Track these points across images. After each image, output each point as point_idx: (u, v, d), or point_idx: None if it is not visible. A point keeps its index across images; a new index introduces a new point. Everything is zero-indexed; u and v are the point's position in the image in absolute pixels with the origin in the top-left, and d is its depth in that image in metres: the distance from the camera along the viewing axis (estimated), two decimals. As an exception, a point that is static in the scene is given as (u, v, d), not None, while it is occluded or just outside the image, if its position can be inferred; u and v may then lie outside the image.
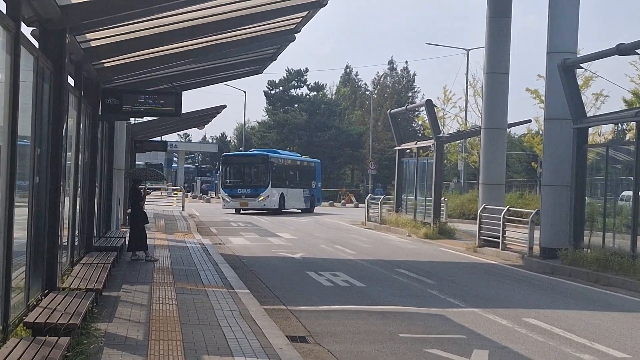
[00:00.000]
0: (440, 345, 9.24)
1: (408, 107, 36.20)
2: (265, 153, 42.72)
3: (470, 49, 50.61)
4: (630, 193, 17.30)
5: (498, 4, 23.93)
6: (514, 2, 24.18)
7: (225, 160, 42.28)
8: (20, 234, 8.23)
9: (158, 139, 38.15)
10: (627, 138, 35.71)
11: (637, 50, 17.60)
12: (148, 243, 16.28)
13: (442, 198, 28.07)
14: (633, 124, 18.69)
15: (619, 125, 31.54)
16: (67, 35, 9.79)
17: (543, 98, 23.10)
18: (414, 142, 30.88)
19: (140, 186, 16.75)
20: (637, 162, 16.65)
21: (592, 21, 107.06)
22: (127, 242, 16.20)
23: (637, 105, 28.00)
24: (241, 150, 67.88)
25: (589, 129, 20.55)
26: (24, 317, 7.68)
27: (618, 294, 14.32)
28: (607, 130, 35.71)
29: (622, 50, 16.87)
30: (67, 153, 11.22)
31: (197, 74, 20.35)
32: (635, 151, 16.80)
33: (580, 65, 19.59)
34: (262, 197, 38.98)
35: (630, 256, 15.93)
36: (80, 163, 12.85)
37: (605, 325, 10.99)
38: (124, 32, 12.28)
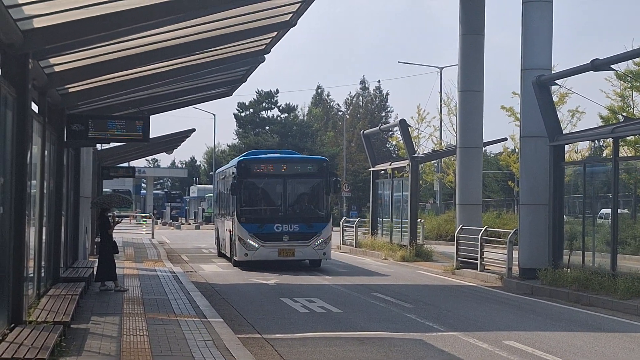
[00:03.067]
0: (420, 370, 9.26)
1: (381, 127, 36.31)
2: (322, 157, 26.26)
3: (443, 67, 51.13)
4: (609, 210, 17.52)
5: (471, 21, 24.25)
6: (488, 19, 24.54)
7: (247, 169, 23.10)
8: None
9: (126, 164, 38.01)
10: (604, 155, 36.12)
11: (612, 66, 17.92)
12: (117, 272, 16.16)
13: (419, 219, 28.20)
14: (610, 140, 18.96)
15: (596, 142, 31.88)
16: (30, 61, 9.78)
17: (518, 116, 23.38)
18: (389, 163, 31.03)
19: (108, 214, 16.65)
20: (615, 179, 16.90)
21: (567, 37, 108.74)
22: (95, 272, 16.07)
23: (614, 122, 28.41)
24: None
25: (566, 146, 20.82)
26: (-12, 353, 7.59)
27: (599, 313, 14.46)
28: (584, 147, 36.20)
29: (597, 65, 17.13)
30: (32, 181, 11.14)
31: (165, 98, 20.34)
32: (612, 168, 17.05)
33: (555, 81, 19.89)
34: (322, 239, 22.56)
35: (610, 275, 16.10)
36: (45, 191, 12.76)
37: (587, 346, 11.09)
38: (89, 56, 12.26)
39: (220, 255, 26.88)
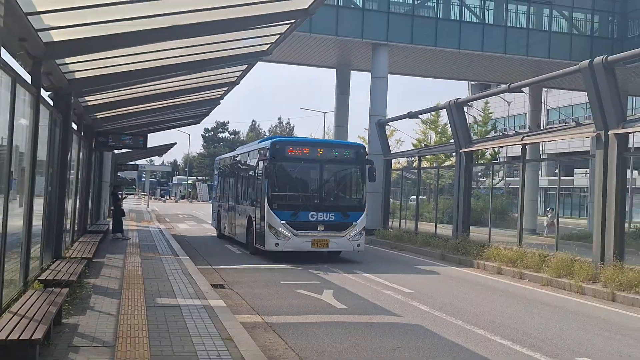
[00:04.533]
0: (304, 287, 9.40)
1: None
2: (360, 143, 14.61)
3: (326, 112, 51.57)
4: (415, 197, 18.31)
5: (342, 85, 24.72)
6: (352, 83, 24.95)
7: (281, 151, 12.91)
8: (38, 223, 7.82)
9: (133, 162, 36.60)
10: (414, 165, 37.25)
11: (419, 116, 18.69)
12: (124, 228, 15.61)
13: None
14: (417, 157, 19.83)
15: (409, 157, 32.98)
16: (72, 98, 9.37)
17: (367, 141, 23.97)
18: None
19: (119, 192, 16.12)
20: (418, 179, 17.67)
21: (396, 95, 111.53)
22: (110, 227, 15.47)
23: (419, 147, 29.51)
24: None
25: (392, 160, 21.58)
26: (38, 276, 7.28)
27: (407, 254, 15.04)
28: (402, 160, 37.37)
29: (412, 115, 17.86)
30: (71, 171, 10.68)
31: (156, 124, 19.71)
32: (417, 173, 17.82)
33: (388, 123, 20.55)
34: (357, 230, 13.07)
35: (413, 233, 16.81)
36: (79, 177, 12.24)
37: (399, 273, 11.53)
38: (110, 96, 11.81)
39: (222, 237, 17.49)
